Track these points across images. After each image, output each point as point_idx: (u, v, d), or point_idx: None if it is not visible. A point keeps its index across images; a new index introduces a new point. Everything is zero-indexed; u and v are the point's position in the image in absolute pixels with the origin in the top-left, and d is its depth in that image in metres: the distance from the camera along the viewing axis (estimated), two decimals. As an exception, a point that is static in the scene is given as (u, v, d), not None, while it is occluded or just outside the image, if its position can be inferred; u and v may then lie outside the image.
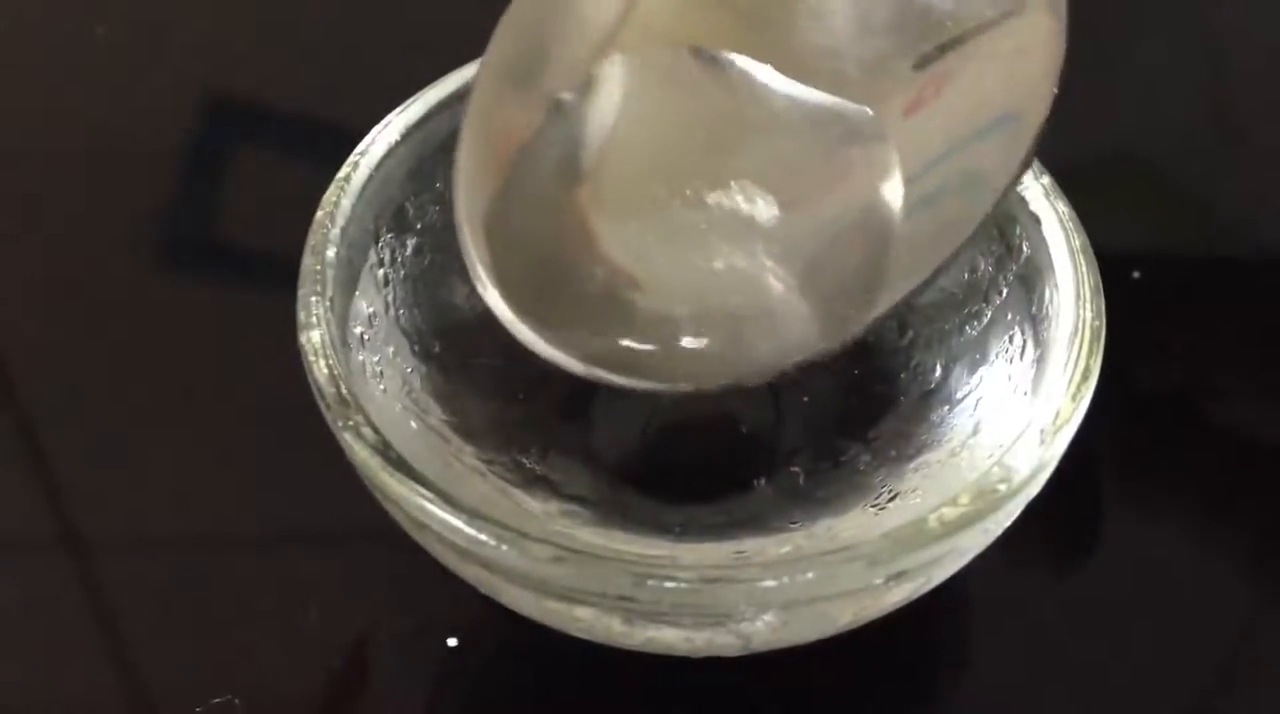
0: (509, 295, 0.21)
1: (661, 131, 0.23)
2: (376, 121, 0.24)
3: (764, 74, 0.23)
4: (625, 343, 0.21)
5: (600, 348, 0.21)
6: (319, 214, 0.22)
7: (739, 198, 0.23)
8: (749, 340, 0.22)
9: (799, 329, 0.22)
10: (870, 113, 0.22)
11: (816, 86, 0.23)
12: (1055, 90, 0.20)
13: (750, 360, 0.21)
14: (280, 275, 0.22)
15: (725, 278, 0.22)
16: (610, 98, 0.23)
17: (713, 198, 0.23)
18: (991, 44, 0.21)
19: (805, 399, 0.26)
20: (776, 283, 0.22)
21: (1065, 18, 0.20)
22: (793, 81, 0.23)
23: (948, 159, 0.21)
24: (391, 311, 0.24)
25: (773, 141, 0.23)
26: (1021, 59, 0.20)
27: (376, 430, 0.20)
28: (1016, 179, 0.20)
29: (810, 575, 0.18)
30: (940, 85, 0.22)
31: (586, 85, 0.23)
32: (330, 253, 0.22)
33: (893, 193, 0.22)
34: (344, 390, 0.20)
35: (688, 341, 0.22)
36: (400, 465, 0.19)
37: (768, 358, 0.21)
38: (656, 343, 0.22)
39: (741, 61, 0.23)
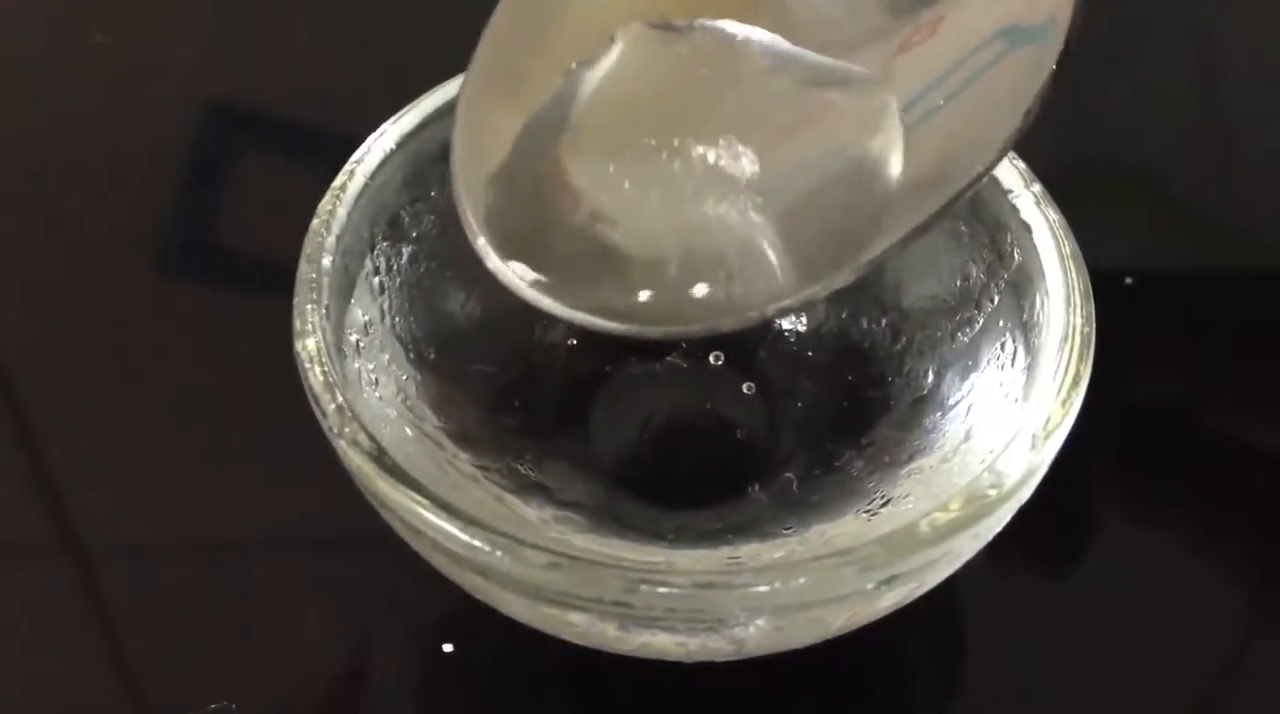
0: (498, 245, 0.21)
1: (656, 94, 0.23)
2: (375, 128, 0.24)
3: (761, 37, 0.23)
4: (611, 289, 0.21)
5: (586, 295, 0.21)
6: (315, 222, 0.22)
7: (728, 152, 0.23)
8: (734, 287, 0.22)
9: (784, 276, 0.22)
10: (866, 72, 0.22)
11: (811, 49, 0.23)
12: (1061, 52, 0.19)
13: (735, 306, 0.21)
14: (279, 281, 0.22)
15: (712, 228, 0.22)
16: (607, 66, 0.23)
17: (703, 153, 0.23)
18: (984, 11, 0.21)
19: (799, 405, 0.26)
20: (764, 232, 0.22)
21: None
22: (789, 43, 0.23)
23: (939, 119, 0.21)
24: (387, 319, 0.24)
25: (767, 97, 0.23)
26: (1019, 29, 0.20)
27: (372, 437, 0.20)
28: (1011, 141, 0.19)
29: (802, 581, 0.18)
30: (935, 25, 0.21)
31: (586, 56, 0.23)
32: (326, 261, 0.22)
33: (887, 145, 0.22)
34: (339, 398, 0.20)
35: (673, 290, 0.22)
36: (395, 472, 0.19)
37: (754, 303, 0.21)
38: (642, 291, 0.22)
39: (738, 27, 0.23)
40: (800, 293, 0.21)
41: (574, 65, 0.23)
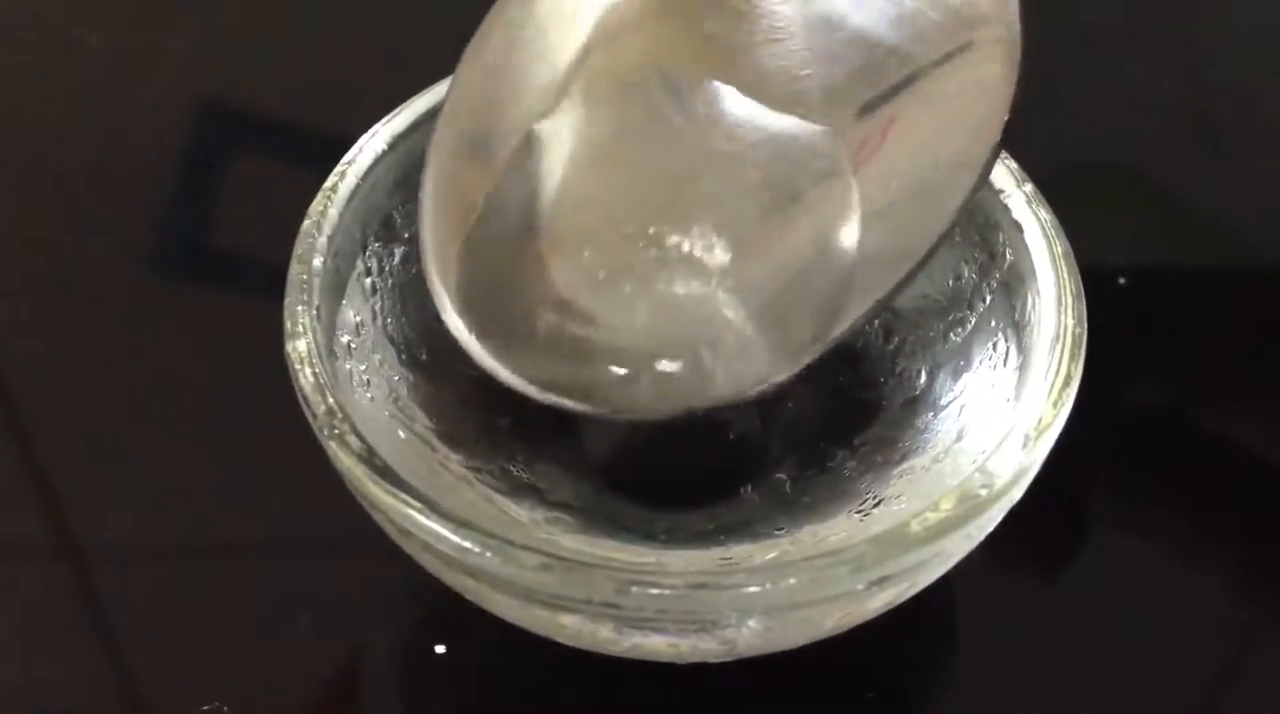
0: (472, 323, 0.22)
1: (624, 165, 0.24)
2: (368, 129, 0.24)
3: (724, 96, 0.23)
4: (584, 371, 0.22)
5: (560, 375, 0.22)
6: (306, 223, 0.22)
7: (696, 231, 0.23)
8: (706, 370, 0.22)
9: (755, 357, 0.22)
10: (828, 132, 0.23)
11: (775, 108, 0.23)
12: (1005, 121, 0.20)
13: (707, 388, 0.22)
14: (274, 282, 0.22)
15: (683, 311, 0.23)
16: (576, 131, 0.23)
17: (671, 231, 0.23)
18: (940, 83, 0.21)
19: (791, 406, 0.26)
20: (733, 314, 0.23)
21: (1017, 61, 0.20)
22: (751, 102, 0.23)
23: (899, 192, 0.22)
24: (379, 320, 0.24)
25: (731, 171, 0.23)
26: (969, 100, 0.21)
27: (362, 439, 0.20)
28: (967, 203, 0.20)
29: (794, 581, 0.18)
30: (887, 129, 0.22)
31: (554, 118, 0.23)
32: (317, 262, 0.22)
33: (849, 219, 0.22)
34: (330, 399, 0.20)
35: (646, 371, 0.22)
36: (386, 474, 0.19)
37: (725, 386, 0.22)
38: (614, 373, 0.22)
39: (703, 85, 0.23)
40: (775, 376, 0.21)
41: (537, 126, 0.23)
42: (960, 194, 0.20)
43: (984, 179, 0.20)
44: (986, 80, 0.21)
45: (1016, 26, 0.20)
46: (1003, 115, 0.20)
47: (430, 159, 0.23)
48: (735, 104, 0.23)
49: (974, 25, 0.21)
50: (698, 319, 0.23)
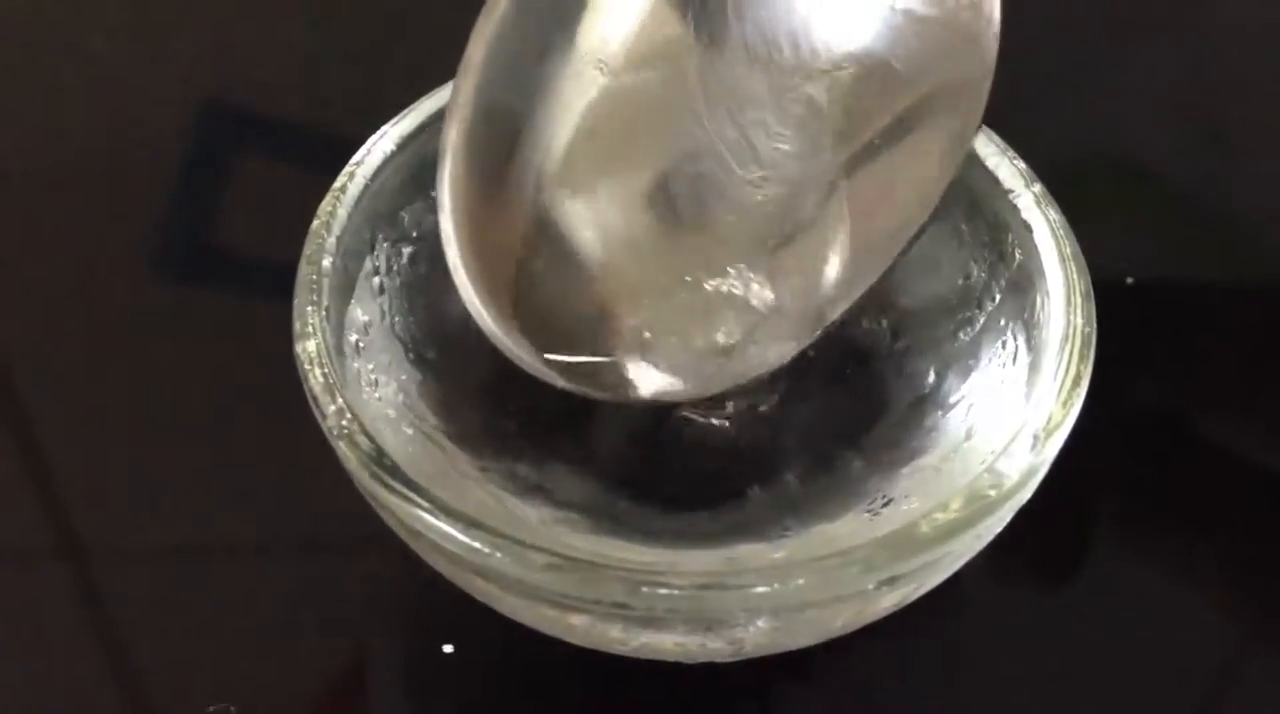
0: (495, 311, 0.22)
1: (640, 160, 0.24)
2: (375, 130, 0.24)
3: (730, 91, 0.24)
4: (605, 360, 0.23)
5: (584, 364, 0.22)
6: (315, 224, 0.22)
7: (717, 229, 0.24)
8: (723, 358, 0.23)
9: (767, 340, 0.23)
10: (828, 131, 0.23)
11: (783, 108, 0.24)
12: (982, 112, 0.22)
13: (721, 374, 0.23)
14: (279, 282, 0.22)
15: (699, 299, 0.23)
16: (595, 126, 0.24)
17: (691, 228, 0.24)
18: (931, 88, 0.22)
19: (799, 405, 0.26)
20: (745, 300, 0.23)
21: (993, 59, 0.21)
22: (759, 99, 0.24)
23: (888, 189, 0.23)
24: (387, 319, 0.24)
25: (742, 169, 0.24)
26: (951, 102, 0.22)
27: (371, 438, 0.20)
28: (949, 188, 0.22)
29: (802, 581, 0.18)
30: (880, 139, 0.23)
31: (569, 115, 0.23)
32: (326, 262, 0.22)
33: (846, 215, 0.23)
34: (339, 400, 0.20)
35: (666, 355, 0.23)
36: (394, 473, 0.19)
37: (741, 369, 0.23)
38: (635, 360, 0.23)
39: (711, 83, 0.24)
40: (784, 355, 0.23)
41: (552, 120, 0.23)
42: (942, 182, 0.21)
43: (961, 161, 0.22)
44: (969, 81, 0.21)
45: (996, 27, 0.21)
46: (979, 107, 0.21)
47: (446, 149, 0.23)
48: (744, 102, 0.24)
49: (962, 28, 0.22)
50: (713, 307, 0.23)
